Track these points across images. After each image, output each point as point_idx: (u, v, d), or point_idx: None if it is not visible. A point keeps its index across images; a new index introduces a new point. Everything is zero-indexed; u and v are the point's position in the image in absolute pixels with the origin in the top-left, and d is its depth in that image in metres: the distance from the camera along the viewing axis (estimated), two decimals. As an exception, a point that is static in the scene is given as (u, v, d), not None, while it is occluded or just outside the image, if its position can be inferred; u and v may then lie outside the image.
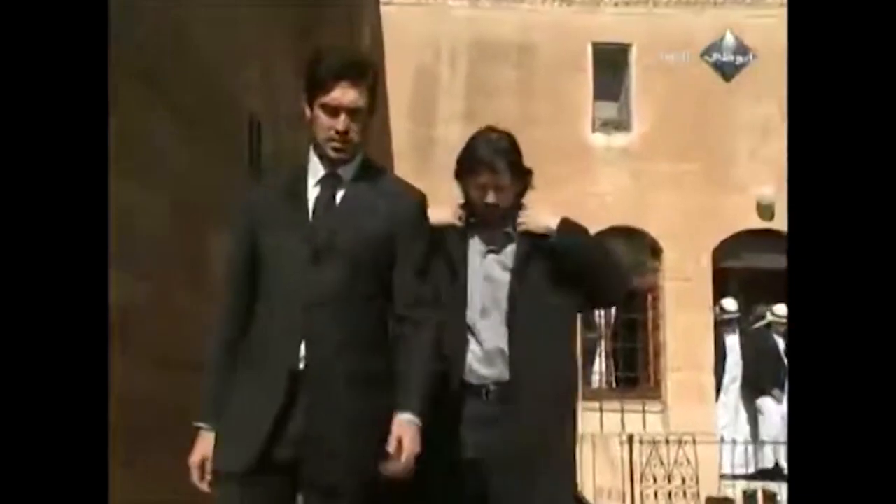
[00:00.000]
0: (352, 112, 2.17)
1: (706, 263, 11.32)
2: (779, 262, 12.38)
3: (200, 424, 2.23)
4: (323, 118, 2.19)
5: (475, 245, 2.65)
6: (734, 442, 9.85)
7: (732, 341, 10.35)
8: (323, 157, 2.24)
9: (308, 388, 2.12)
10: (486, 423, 2.52)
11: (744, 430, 10.21)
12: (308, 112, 2.23)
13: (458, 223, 2.67)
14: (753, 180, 11.60)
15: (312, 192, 2.25)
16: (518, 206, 2.69)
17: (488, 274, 2.63)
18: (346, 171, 2.26)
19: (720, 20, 11.70)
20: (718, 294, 11.11)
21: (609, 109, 11.70)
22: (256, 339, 2.21)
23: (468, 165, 2.64)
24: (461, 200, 2.71)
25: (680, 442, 9.12)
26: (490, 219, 2.65)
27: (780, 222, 11.79)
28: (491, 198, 2.62)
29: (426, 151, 9.83)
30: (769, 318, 10.23)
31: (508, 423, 2.51)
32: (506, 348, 2.56)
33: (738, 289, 11.44)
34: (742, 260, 11.72)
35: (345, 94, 2.16)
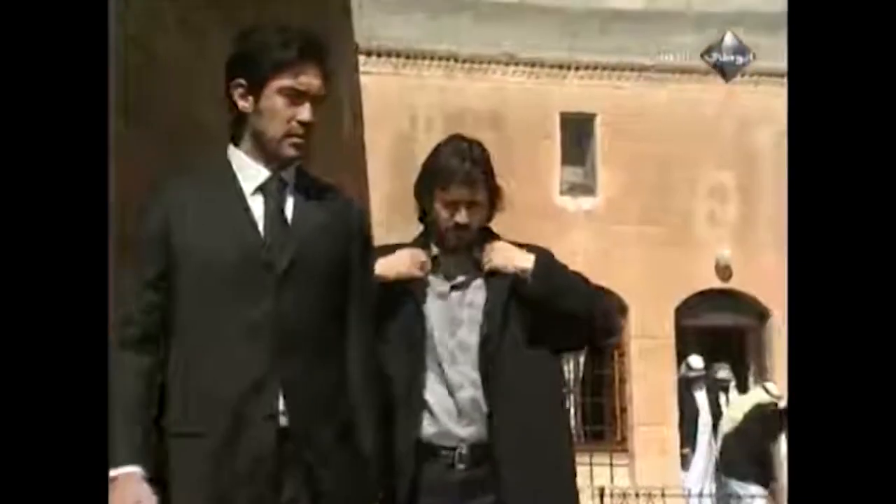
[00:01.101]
0: (316, 101, 1.69)
1: (669, 321, 11.43)
2: (737, 320, 12.54)
3: (127, 470, 1.52)
4: (280, 106, 1.66)
5: (435, 280, 2.07)
6: (701, 495, 9.76)
7: (702, 398, 10.33)
8: (268, 157, 1.70)
9: (294, 453, 1.62)
10: (457, 495, 1.97)
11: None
12: (246, 101, 1.68)
13: (415, 246, 2.13)
14: (712, 242, 11.81)
15: (254, 201, 1.69)
16: (486, 231, 2.14)
17: (454, 315, 2.06)
18: (289, 176, 1.74)
19: (677, 93, 12.05)
20: (681, 351, 11.16)
21: (576, 174, 11.91)
22: (187, 391, 1.61)
23: (435, 177, 2.06)
24: (419, 224, 2.19)
25: (649, 495, 9.04)
26: (457, 244, 2.08)
27: (738, 282, 11.97)
28: (462, 217, 2.04)
29: (405, 214, 9.87)
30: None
31: (488, 496, 1.96)
32: (482, 400, 2.00)
33: (699, 347, 11.49)
34: (703, 319, 11.85)
35: (313, 78, 1.68)
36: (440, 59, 11.25)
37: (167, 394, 1.63)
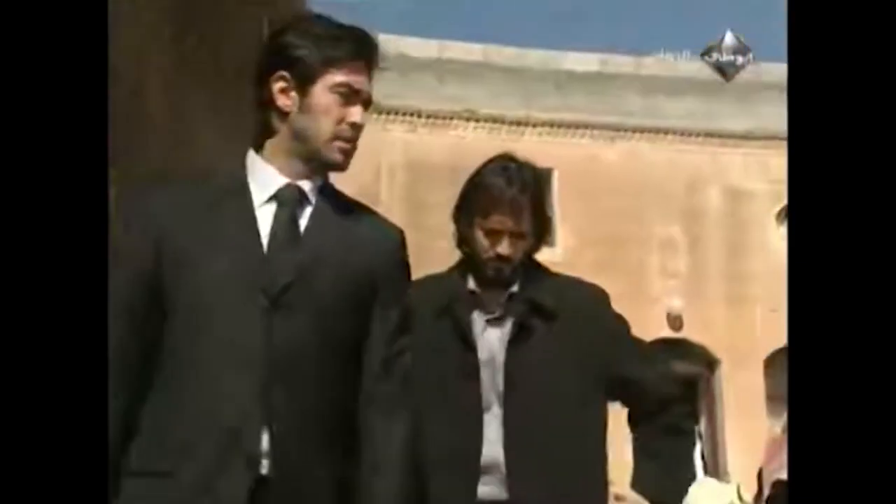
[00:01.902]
0: (366, 104, 1.43)
1: (624, 369, 11.41)
2: (688, 369, 12.61)
3: None
4: (332, 104, 1.39)
5: (474, 316, 1.75)
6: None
7: None
8: (307, 160, 1.42)
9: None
10: None
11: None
12: (288, 97, 1.40)
13: (458, 276, 1.79)
14: (664, 294, 11.94)
15: (264, 211, 1.40)
16: (530, 263, 1.80)
17: (491, 355, 1.71)
18: (311, 187, 1.43)
19: (629, 150, 12.30)
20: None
21: (534, 227, 11.97)
22: (164, 423, 1.33)
23: (476, 202, 1.74)
24: (458, 250, 1.84)
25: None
26: (497, 277, 1.74)
27: (688, 332, 12.06)
28: (504, 248, 1.71)
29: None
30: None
31: None
32: (501, 457, 1.66)
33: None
34: (656, 366, 11.89)
35: (366, 79, 1.42)
36: (405, 114, 11.34)
37: (137, 427, 1.34)
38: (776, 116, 12.88)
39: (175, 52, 3.30)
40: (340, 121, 1.40)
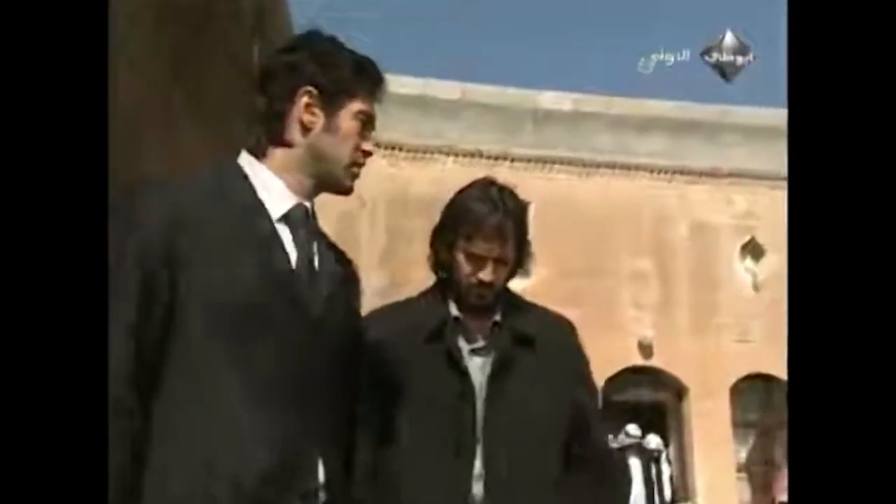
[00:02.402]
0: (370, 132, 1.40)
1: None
2: (657, 396, 12.67)
3: None
4: (353, 130, 1.35)
5: (458, 345, 1.64)
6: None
7: (635, 467, 10.27)
8: (318, 181, 1.35)
9: None
10: None
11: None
12: (314, 114, 1.33)
13: (440, 301, 1.67)
14: (635, 324, 12.05)
15: (280, 231, 1.30)
16: (508, 292, 1.70)
17: (479, 388, 1.61)
18: (309, 207, 1.37)
19: (604, 185, 12.46)
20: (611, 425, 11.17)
21: (510, 258, 12.05)
22: (171, 465, 1.15)
23: (460, 225, 1.64)
24: (434, 277, 1.72)
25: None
26: (478, 303, 1.64)
27: (658, 361, 12.15)
28: (488, 274, 1.61)
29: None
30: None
31: None
32: (481, 493, 1.53)
33: (624, 421, 11.53)
34: (627, 394, 11.96)
35: (374, 108, 1.39)
36: (386, 147, 11.44)
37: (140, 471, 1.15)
38: (740, 155, 13.16)
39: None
40: (357, 147, 1.36)
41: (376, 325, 1.61)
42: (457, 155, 12.25)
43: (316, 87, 1.33)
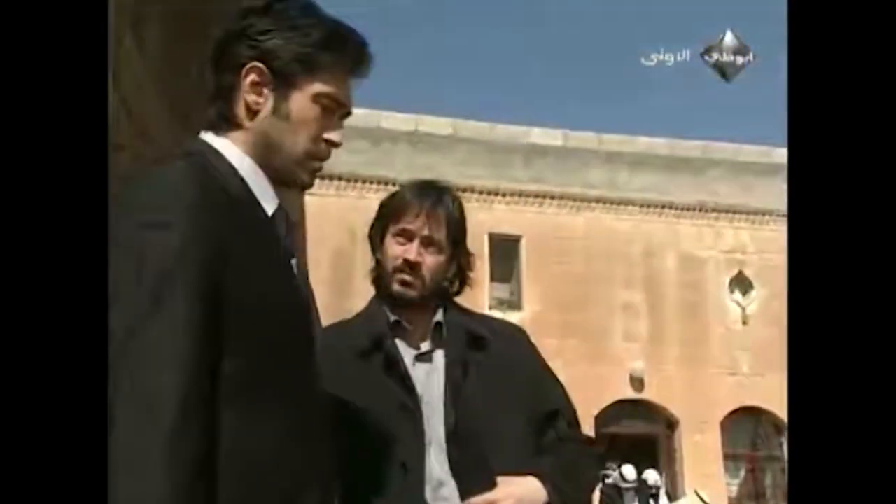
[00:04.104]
0: (344, 118, 1.17)
1: (589, 429, 11.36)
2: (649, 428, 12.58)
3: None
4: (311, 116, 1.10)
5: (401, 349, 1.53)
6: None
7: (632, 501, 10.12)
8: (271, 177, 1.13)
9: None
10: None
11: None
12: (260, 94, 1.10)
13: (378, 310, 1.56)
14: (626, 356, 12.01)
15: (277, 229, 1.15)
16: (445, 296, 1.59)
17: (422, 391, 1.49)
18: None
19: (594, 220, 12.50)
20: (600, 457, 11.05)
21: (503, 290, 12.05)
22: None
23: (391, 209, 1.55)
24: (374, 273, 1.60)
25: None
26: (404, 294, 1.51)
27: (650, 393, 12.08)
28: (413, 253, 1.49)
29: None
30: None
31: None
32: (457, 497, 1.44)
33: (616, 452, 11.42)
34: (619, 426, 11.87)
35: (349, 93, 1.15)
36: (379, 182, 11.47)
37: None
38: (726, 191, 13.25)
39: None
40: (318, 137, 1.11)
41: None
42: (450, 190, 12.30)
43: (265, 62, 1.08)
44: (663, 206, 12.99)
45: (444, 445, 1.44)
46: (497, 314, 11.52)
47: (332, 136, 1.11)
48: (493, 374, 1.51)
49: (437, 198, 1.53)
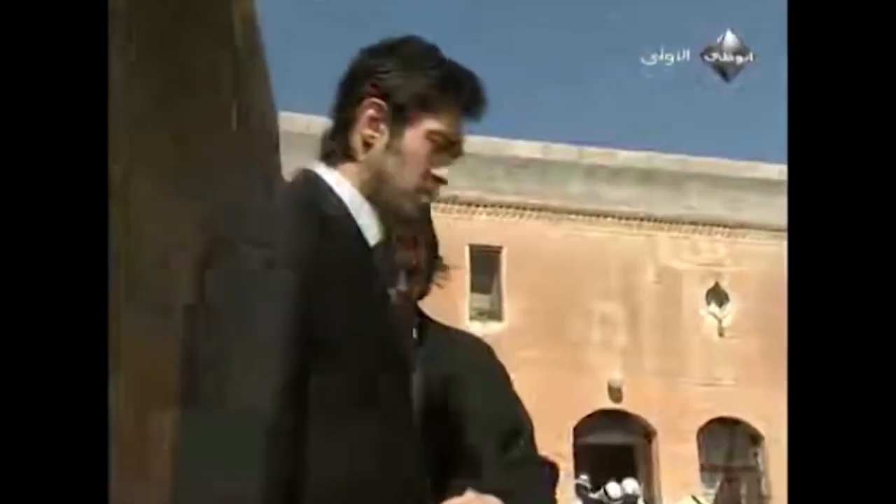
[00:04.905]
0: (456, 156, 1.21)
1: (568, 440, 11.39)
2: (627, 439, 12.62)
3: None
4: (422, 153, 1.16)
5: None
6: None
7: None
8: (383, 209, 1.17)
9: None
10: None
11: None
12: (377, 129, 1.15)
13: None
14: (604, 367, 12.05)
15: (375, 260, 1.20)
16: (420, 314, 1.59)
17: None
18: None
19: (574, 232, 12.56)
20: (578, 466, 11.06)
21: (483, 301, 12.05)
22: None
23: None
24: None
25: None
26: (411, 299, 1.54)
27: (628, 404, 12.13)
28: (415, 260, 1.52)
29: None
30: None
31: None
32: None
33: (594, 463, 11.43)
34: (597, 437, 11.89)
35: (461, 132, 1.19)
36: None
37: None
38: (703, 203, 13.38)
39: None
40: (427, 172, 1.15)
41: None
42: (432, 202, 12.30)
43: (385, 98, 1.13)
44: (642, 219, 13.08)
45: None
46: (477, 325, 11.55)
47: (440, 172, 1.16)
48: (453, 386, 1.47)
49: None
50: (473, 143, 14.22)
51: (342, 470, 1.03)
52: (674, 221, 13.15)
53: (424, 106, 1.14)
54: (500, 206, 12.53)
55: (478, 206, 12.40)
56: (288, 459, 0.97)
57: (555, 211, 12.60)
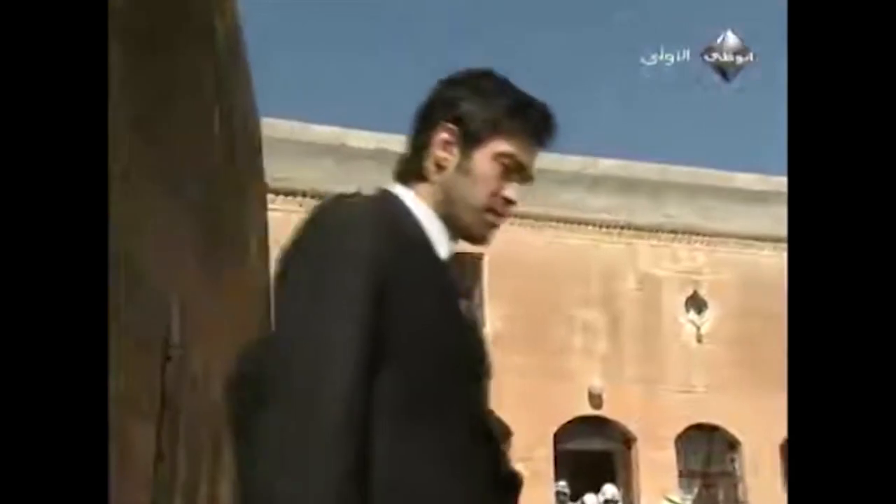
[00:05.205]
0: (526, 181, 1.28)
1: (548, 446, 11.41)
2: (607, 445, 12.66)
3: None
4: (491, 174, 1.23)
5: None
6: None
7: None
8: (454, 227, 1.24)
9: None
10: None
11: None
12: (448, 153, 1.23)
13: None
14: (585, 373, 12.09)
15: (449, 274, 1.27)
16: None
17: None
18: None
19: (555, 240, 12.61)
20: (560, 473, 11.08)
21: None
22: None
23: None
24: None
25: None
26: None
27: (608, 410, 12.17)
28: None
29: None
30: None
31: None
32: None
33: (574, 468, 11.46)
34: (577, 443, 11.92)
35: (531, 157, 1.26)
36: (344, 199, 11.40)
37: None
38: (682, 212, 13.49)
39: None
40: (496, 193, 1.22)
41: (247, 363, 1.45)
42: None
43: (457, 123, 1.21)
44: (622, 227, 13.16)
45: None
46: (459, 331, 11.53)
47: (508, 193, 1.23)
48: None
49: None
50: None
51: (415, 476, 1.06)
52: (653, 230, 13.24)
53: (495, 130, 1.21)
54: (482, 214, 12.54)
55: (460, 213, 12.42)
56: (361, 460, 1.00)
57: (537, 219, 12.64)
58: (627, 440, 12.43)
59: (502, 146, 1.21)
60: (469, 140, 1.21)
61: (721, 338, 12.84)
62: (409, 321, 1.08)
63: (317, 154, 12.15)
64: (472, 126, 1.21)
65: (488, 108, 1.21)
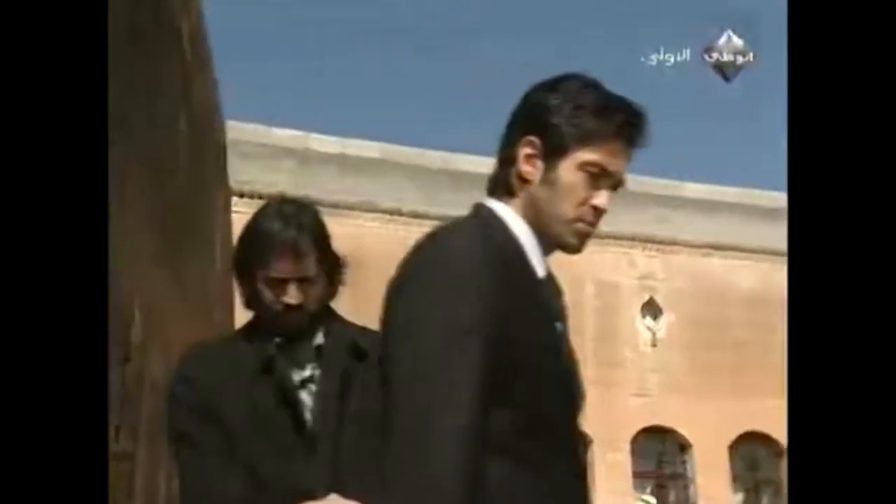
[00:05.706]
0: (616, 187, 1.24)
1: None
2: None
3: None
4: (577, 183, 1.18)
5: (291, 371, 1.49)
6: None
7: None
8: (549, 241, 1.22)
9: None
10: None
11: None
12: (532, 166, 1.19)
13: (244, 338, 1.51)
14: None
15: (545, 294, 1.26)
16: (326, 311, 1.54)
17: (311, 414, 1.46)
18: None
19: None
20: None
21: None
22: None
23: (257, 250, 1.47)
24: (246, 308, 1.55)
25: None
26: (291, 330, 1.48)
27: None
28: (292, 296, 1.45)
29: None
30: None
31: None
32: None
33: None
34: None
35: (621, 161, 1.21)
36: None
37: None
38: (638, 220, 13.73)
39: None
40: (584, 202, 1.18)
41: (195, 366, 1.45)
42: (377, 212, 12.29)
43: (539, 136, 1.18)
44: (610, 237, 13.32)
45: (332, 471, 1.41)
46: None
47: (597, 201, 1.19)
48: (374, 391, 1.34)
49: (297, 225, 1.47)
50: (420, 156, 14.18)
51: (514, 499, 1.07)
52: (611, 237, 13.45)
53: (578, 138, 1.17)
54: (447, 219, 12.56)
55: (424, 217, 12.42)
56: (475, 490, 1.02)
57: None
58: (584, 442, 12.57)
59: (586, 155, 1.17)
60: (552, 152, 1.18)
61: (675, 342, 13.10)
62: (516, 352, 1.09)
63: (279, 156, 12.09)
64: (554, 137, 1.17)
65: (571, 117, 1.17)
